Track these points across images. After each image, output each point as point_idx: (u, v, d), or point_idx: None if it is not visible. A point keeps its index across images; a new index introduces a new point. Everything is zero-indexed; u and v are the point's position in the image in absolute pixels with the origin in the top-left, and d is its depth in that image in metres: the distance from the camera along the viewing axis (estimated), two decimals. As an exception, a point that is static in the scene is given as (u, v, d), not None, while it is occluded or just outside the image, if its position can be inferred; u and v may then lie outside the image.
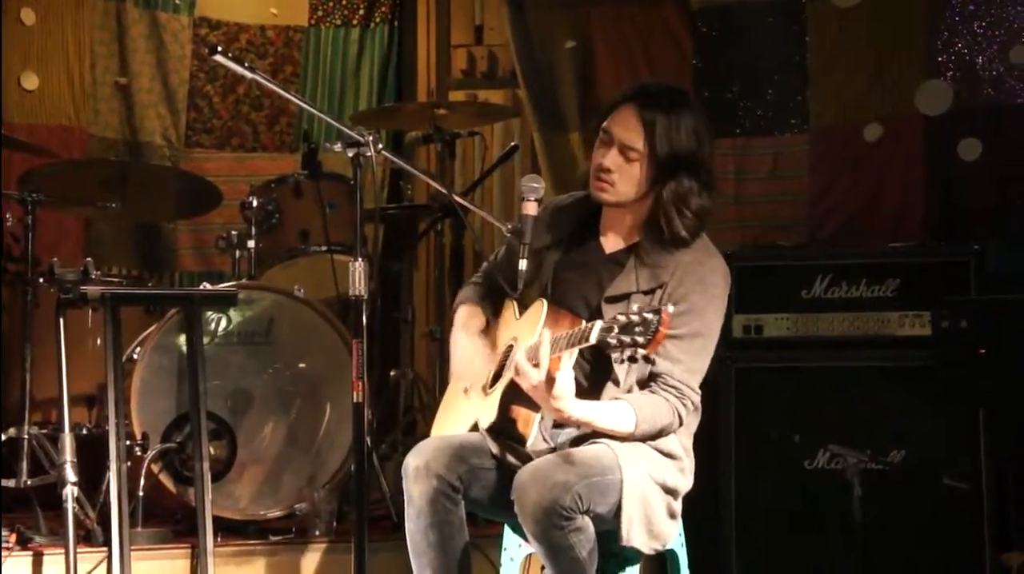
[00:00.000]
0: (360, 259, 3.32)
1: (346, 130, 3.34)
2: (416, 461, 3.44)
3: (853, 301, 5.13)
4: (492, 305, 3.77)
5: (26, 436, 4.62)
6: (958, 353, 4.84)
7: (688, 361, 3.42)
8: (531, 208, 3.46)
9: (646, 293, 3.44)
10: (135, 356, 4.81)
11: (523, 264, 3.43)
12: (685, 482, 3.53)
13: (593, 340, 3.13)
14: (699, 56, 6.02)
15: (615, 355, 3.21)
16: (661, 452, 3.46)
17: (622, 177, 3.45)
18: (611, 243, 3.58)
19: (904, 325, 5.07)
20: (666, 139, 3.41)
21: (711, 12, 6.00)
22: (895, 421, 4.98)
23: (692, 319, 3.41)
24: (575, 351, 3.26)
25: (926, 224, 5.62)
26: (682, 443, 3.51)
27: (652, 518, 3.40)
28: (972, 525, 4.87)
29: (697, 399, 3.46)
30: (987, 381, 4.73)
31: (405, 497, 3.46)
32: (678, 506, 3.50)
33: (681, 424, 3.44)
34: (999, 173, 5.51)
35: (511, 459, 3.45)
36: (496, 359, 3.60)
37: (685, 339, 3.40)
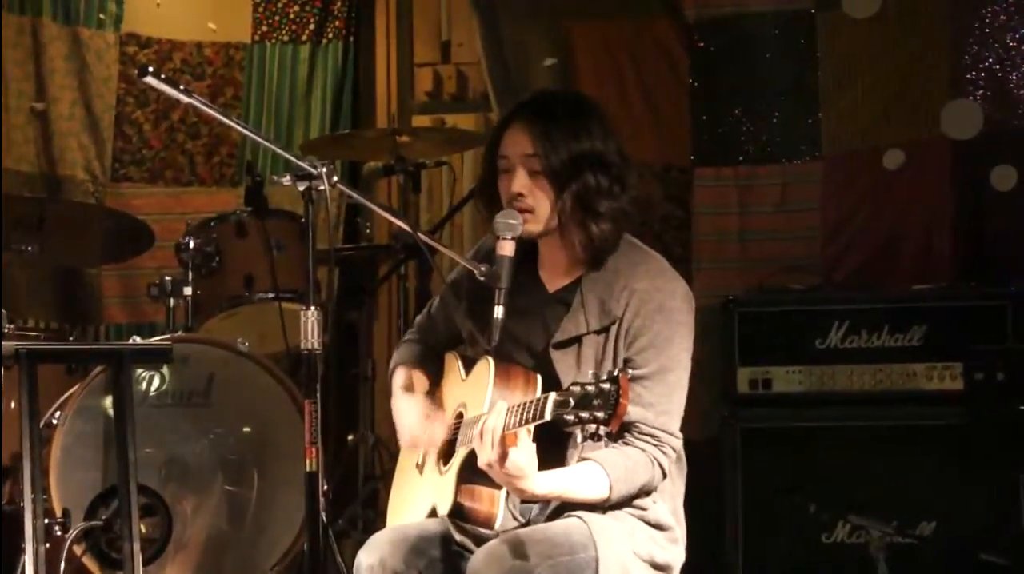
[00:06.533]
0: (312, 307, 3.23)
1: (296, 161, 3.24)
2: (369, 558, 3.32)
3: (874, 351, 5.11)
4: (433, 363, 3.67)
5: (-71, 514, 4.50)
6: (994, 409, 4.87)
7: (661, 403, 3.28)
8: (507, 248, 3.30)
9: (599, 333, 3.32)
10: (55, 421, 4.63)
11: (499, 311, 3.27)
12: (679, 554, 3.39)
13: (548, 417, 2.99)
14: (696, 74, 5.92)
15: (575, 433, 3.08)
16: (649, 523, 3.31)
17: (537, 198, 3.33)
18: (553, 281, 3.45)
19: (932, 378, 5.05)
20: (561, 142, 3.31)
21: (710, 25, 5.90)
22: (924, 488, 4.97)
23: (657, 354, 3.29)
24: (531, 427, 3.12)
25: (955, 263, 5.56)
26: (672, 509, 3.38)
27: (637, 600, 3.29)
28: (1013, 606, 4.89)
29: (678, 444, 3.32)
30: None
31: None
32: None
33: (664, 476, 3.30)
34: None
35: (476, 547, 3.31)
36: (446, 426, 3.51)
37: (653, 378, 3.28)
